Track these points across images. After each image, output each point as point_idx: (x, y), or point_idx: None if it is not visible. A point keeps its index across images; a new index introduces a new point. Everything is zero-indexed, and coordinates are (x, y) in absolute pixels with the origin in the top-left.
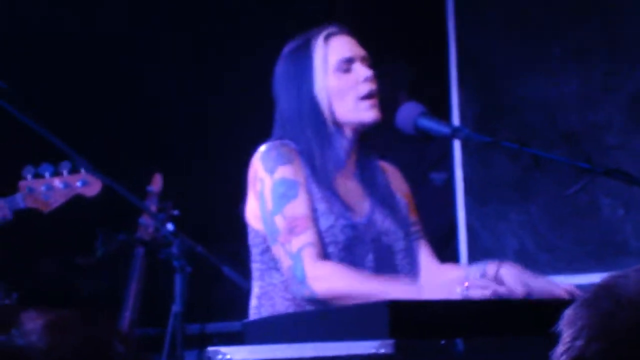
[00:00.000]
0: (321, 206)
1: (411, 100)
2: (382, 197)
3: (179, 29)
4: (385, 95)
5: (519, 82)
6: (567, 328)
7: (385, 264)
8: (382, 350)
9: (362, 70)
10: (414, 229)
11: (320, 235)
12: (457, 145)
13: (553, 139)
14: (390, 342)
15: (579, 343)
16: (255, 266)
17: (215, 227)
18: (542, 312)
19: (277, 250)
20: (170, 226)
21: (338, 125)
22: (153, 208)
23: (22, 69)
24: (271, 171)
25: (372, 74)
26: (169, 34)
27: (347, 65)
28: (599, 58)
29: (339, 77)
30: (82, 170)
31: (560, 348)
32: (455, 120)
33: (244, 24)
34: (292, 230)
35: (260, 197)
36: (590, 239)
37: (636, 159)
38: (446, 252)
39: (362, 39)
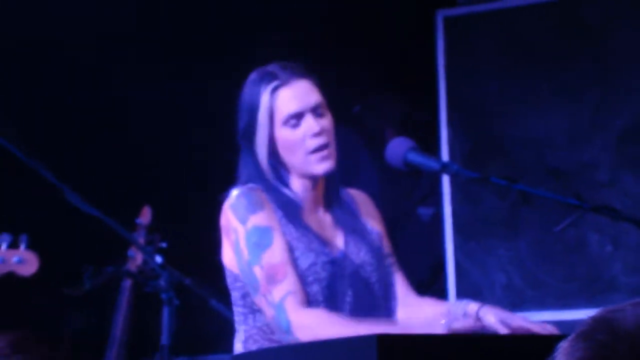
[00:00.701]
0: (299, 245)
1: (401, 135)
2: (353, 228)
3: (169, 59)
4: (375, 129)
5: (508, 119)
6: None
7: (364, 298)
8: None
9: (310, 125)
10: (388, 260)
11: (301, 277)
12: (446, 180)
13: (542, 176)
14: None
15: None
16: (238, 310)
17: (203, 259)
18: (525, 348)
19: (259, 301)
20: (158, 259)
21: (295, 172)
22: (141, 240)
23: (4, 99)
24: (243, 221)
25: (323, 126)
26: (159, 65)
27: (295, 120)
28: (588, 96)
29: (287, 132)
30: (21, 247)
31: None
32: (445, 156)
33: (232, 60)
34: (271, 280)
35: (236, 247)
36: (579, 275)
37: (624, 196)
38: (434, 287)
39: (350, 72)
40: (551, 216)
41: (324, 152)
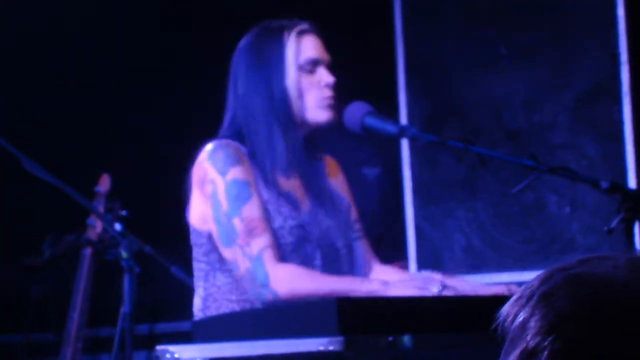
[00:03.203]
0: (269, 208)
1: (358, 99)
2: (321, 194)
3: (133, 27)
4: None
5: (466, 81)
6: (537, 318)
7: (331, 263)
8: (331, 347)
9: (326, 76)
10: (355, 227)
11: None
12: (404, 144)
13: (499, 139)
14: (339, 338)
15: (569, 330)
16: (199, 266)
17: (163, 227)
18: (488, 308)
19: (234, 253)
20: (118, 226)
21: (295, 122)
22: (101, 208)
23: None
24: (222, 173)
25: (334, 80)
26: (122, 31)
27: (312, 66)
28: (545, 57)
29: (302, 77)
30: None
31: (534, 337)
32: (403, 120)
33: (196, 25)
34: (250, 232)
35: (213, 199)
36: (537, 236)
37: (581, 157)
38: (394, 251)
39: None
40: (509, 178)
41: (331, 102)
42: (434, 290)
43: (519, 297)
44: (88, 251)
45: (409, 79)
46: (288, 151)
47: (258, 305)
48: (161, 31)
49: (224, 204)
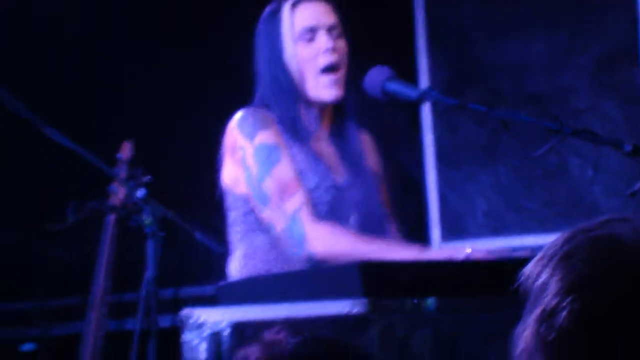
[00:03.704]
0: (304, 167)
1: (378, 65)
2: (356, 166)
3: None
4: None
5: (486, 45)
6: (557, 279)
7: (368, 227)
8: (355, 310)
9: (323, 41)
10: (385, 209)
11: (309, 195)
12: (426, 109)
13: (521, 102)
14: (363, 301)
15: (588, 291)
16: (236, 229)
17: (186, 192)
18: (512, 272)
19: (269, 215)
20: (141, 192)
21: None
22: (123, 175)
23: None
24: (251, 137)
25: (336, 45)
26: (139, 2)
27: (310, 34)
28: (565, 20)
29: (301, 47)
30: None
31: (554, 298)
32: (424, 85)
33: None
34: (283, 193)
35: (243, 165)
36: (560, 199)
37: (603, 120)
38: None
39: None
40: (531, 141)
41: (335, 76)
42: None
43: (542, 257)
44: (111, 217)
45: (430, 44)
46: (305, 119)
47: (295, 264)
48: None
49: (254, 168)
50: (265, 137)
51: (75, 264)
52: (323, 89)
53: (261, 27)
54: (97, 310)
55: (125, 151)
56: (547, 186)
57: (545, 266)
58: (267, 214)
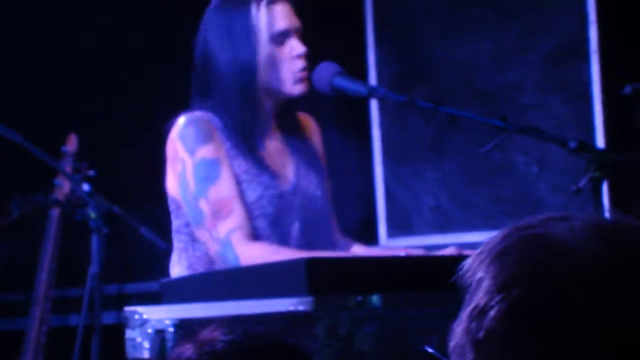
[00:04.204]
0: (247, 178)
1: (327, 60)
2: (306, 157)
3: None
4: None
5: (435, 42)
6: (489, 276)
7: (311, 230)
8: (301, 307)
9: (297, 46)
10: (329, 208)
11: (247, 210)
12: (374, 104)
13: (468, 99)
14: (308, 298)
15: (516, 292)
16: (181, 237)
17: (131, 187)
18: (455, 268)
19: (203, 235)
20: (86, 187)
21: (266, 92)
22: (68, 169)
23: None
24: (191, 152)
25: (306, 49)
26: None
27: (282, 38)
28: (514, 17)
29: (272, 49)
30: None
31: (484, 297)
32: (372, 80)
33: None
34: (217, 215)
35: (182, 179)
36: (506, 196)
37: (549, 117)
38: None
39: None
40: (478, 138)
41: (304, 74)
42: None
43: (481, 252)
44: (56, 211)
45: (378, 39)
46: (260, 119)
47: None
48: None
49: (191, 185)
50: (206, 151)
51: (18, 259)
52: (294, 86)
53: (219, 18)
54: (40, 305)
55: (71, 144)
56: (493, 183)
57: (482, 262)
58: (200, 234)
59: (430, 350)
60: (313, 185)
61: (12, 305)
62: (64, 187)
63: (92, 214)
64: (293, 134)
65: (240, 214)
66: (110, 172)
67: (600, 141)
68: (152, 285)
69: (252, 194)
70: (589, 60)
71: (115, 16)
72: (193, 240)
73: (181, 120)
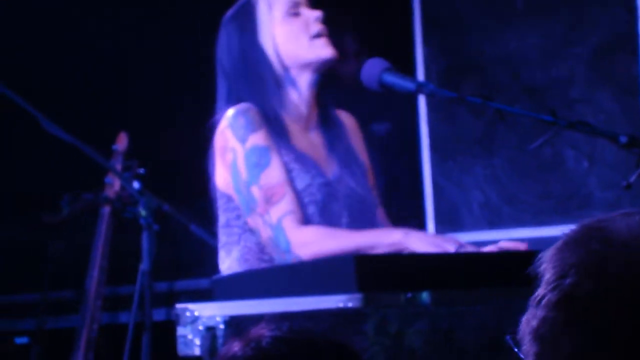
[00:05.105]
0: (295, 166)
1: (375, 57)
2: (345, 153)
3: None
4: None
5: (483, 37)
6: (552, 267)
7: (359, 223)
8: (350, 304)
9: (312, 11)
10: (373, 194)
11: (298, 198)
12: (422, 100)
13: (517, 94)
14: (357, 295)
15: (568, 281)
16: (232, 230)
17: (181, 184)
18: (505, 265)
19: (255, 221)
20: (136, 184)
21: (291, 73)
22: (119, 167)
23: None
24: (242, 140)
25: (321, 13)
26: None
27: (295, 9)
28: (562, 11)
29: (289, 22)
30: None
31: (544, 287)
32: (420, 76)
33: None
34: (269, 200)
35: (233, 167)
36: (555, 191)
37: (599, 111)
38: (411, 207)
39: None
40: (527, 134)
41: (327, 38)
42: (450, 249)
43: (556, 245)
44: (106, 209)
45: (426, 35)
46: (293, 104)
47: None
48: None
49: (243, 173)
50: (257, 139)
51: (69, 257)
52: (321, 49)
53: (226, 26)
54: (91, 303)
55: (121, 143)
56: (542, 178)
57: (549, 254)
58: (252, 220)
59: (510, 341)
60: (355, 179)
61: (64, 303)
62: (114, 185)
63: (143, 212)
64: (332, 130)
65: (291, 199)
66: (160, 170)
67: None
68: (202, 283)
69: (301, 182)
70: (638, 54)
71: (165, 17)
72: (244, 231)
73: (230, 112)
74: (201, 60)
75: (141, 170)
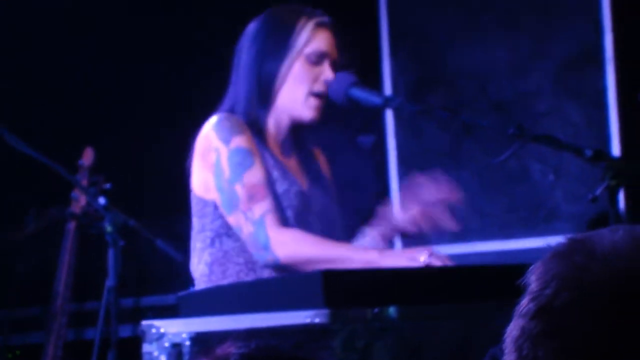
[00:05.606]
0: (275, 173)
1: (342, 70)
2: (316, 175)
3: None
4: None
5: (449, 51)
6: (536, 278)
7: (331, 235)
8: (317, 320)
9: (328, 72)
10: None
11: (277, 202)
12: (389, 114)
13: (484, 108)
14: (325, 311)
15: (547, 292)
16: (204, 235)
17: (147, 200)
18: (472, 279)
19: (237, 218)
20: (102, 200)
21: (281, 110)
22: (84, 182)
23: None
24: (226, 141)
25: (333, 76)
26: (103, 5)
27: (319, 59)
28: (529, 25)
29: (305, 66)
30: None
31: (527, 298)
32: (387, 90)
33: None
34: (252, 198)
35: (216, 166)
36: (521, 204)
37: (565, 125)
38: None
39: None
40: (493, 147)
41: (320, 102)
42: (421, 259)
43: (544, 256)
44: (72, 225)
45: (393, 47)
46: (277, 134)
47: (263, 269)
48: (149, 8)
49: (226, 171)
50: (241, 141)
51: (34, 273)
52: (308, 109)
53: (263, 27)
54: (57, 319)
55: (87, 158)
56: (509, 191)
57: (535, 265)
58: (233, 218)
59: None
60: (326, 195)
61: (29, 319)
62: (80, 200)
63: (108, 227)
64: (307, 159)
65: (272, 200)
66: (126, 186)
67: (616, 149)
68: (168, 299)
69: (280, 186)
70: (604, 67)
71: (134, 29)
72: (218, 235)
73: (214, 118)
74: (169, 75)
75: (107, 186)
